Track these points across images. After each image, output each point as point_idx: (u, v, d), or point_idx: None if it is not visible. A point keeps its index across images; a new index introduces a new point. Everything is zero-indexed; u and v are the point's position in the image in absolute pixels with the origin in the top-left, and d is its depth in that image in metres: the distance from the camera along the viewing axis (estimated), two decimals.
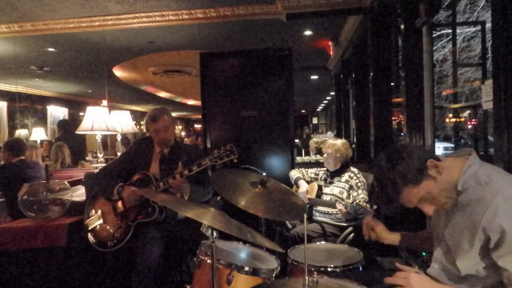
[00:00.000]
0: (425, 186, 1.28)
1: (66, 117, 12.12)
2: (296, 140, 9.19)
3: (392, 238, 1.76)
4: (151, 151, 2.60)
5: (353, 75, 5.84)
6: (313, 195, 3.02)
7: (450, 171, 1.30)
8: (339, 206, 2.69)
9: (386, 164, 1.31)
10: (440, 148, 10.80)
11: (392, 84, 4.19)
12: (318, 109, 20.64)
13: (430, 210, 1.35)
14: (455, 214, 1.32)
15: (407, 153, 1.30)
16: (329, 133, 10.02)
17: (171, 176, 2.35)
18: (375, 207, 2.53)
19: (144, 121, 2.63)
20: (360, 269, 1.85)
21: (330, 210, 2.90)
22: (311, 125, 21.05)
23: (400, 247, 1.82)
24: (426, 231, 1.78)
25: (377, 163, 1.36)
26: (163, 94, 13.05)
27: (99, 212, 2.51)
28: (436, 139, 3.41)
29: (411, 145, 1.38)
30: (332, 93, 10.57)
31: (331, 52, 7.05)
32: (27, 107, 10.39)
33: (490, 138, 2.61)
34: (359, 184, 2.87)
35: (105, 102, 7.58)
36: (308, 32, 5.86)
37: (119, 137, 5.59)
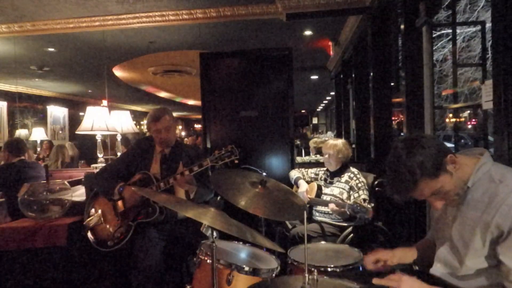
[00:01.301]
0: (441, 180, 1.26)
1: (66, 117, 12.13)
2: (297, 142, 9.18)
3: (409, 252, 1.65)
4: (152, 151, 2.60)
5: (353, 75, 5.84)
6: (312, 195, 3.02)
7: (463, 168, 1.30)
8: (331, 205, 2.70)
9: (404, 151, 1.26)
10: None
11: (392, 84, 4.19)
12: (318, 109, 20.64)
13: (439, 204, 1.34)
14: (466, 212, 1.32)
15: (427, 143, 1.26)
16: (329, 133, 10.03)
17: (172, 176, 2.35)
18: (372, 204, 2.53)
19: (146, 120, 2.63)
20: (360, 269, 1.84)
21: (330, 210, 2.90)
22: (311, 125, 21.05)
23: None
24: (425, 240, 1.74)
25: (393, 149, 1.30)
26: (163, 94, 13.04)
27: (99, 211, 2.51)
28: None
29: (429, 135, 1.34)
30: (332, 93, 10.57)
31: (331, 52, 7.05)
32: (27, 107, 10.39)
33: (490, 138, 2.61)
34: (359, 185, 2.87)
35: (105, 102, 7.58)
36: (308, 32, 5.86)
37: (119, 137, 5.60)
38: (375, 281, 1.31)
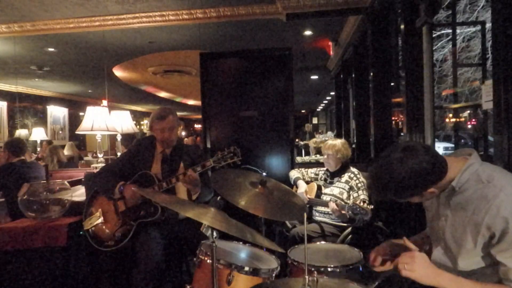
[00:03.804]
0: (424, 194, 1.29)
1: (66, 117, 12.12)
2: (301, 142, 9.13)
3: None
4: (153, 150, 2.60)
5: (353, 75, 5.84)
6: (312, 195, 3.02)
7: (449, 172, 1.30)
8: (332, 205, 2.69)
9: (402, 169, 1.22)
10: (440, 148, 10.80)
11: (392, 84, 4.19)
12: (318, 109, 20.64)
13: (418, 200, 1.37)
14: (456, 213, 1.33)
15: (423, 159, 1.22)
16: (329, 133, 10.02)
17: (174, 176, 2.35)
18: (372, 206, 2.53)
19: (150, 118, 2.62)
20: (360, 269, 1.84)
21: (329, 210, 2.90)
22: (311, 125, 21.03)
23: None
24: (423, 233, 1.73)
25: (388, 160, 1.26)
26: (163, 94, 13.05)
27: (100, 210, 2.51)
28: (436, 139, 3.42)
29: (422, 150, 1.28)
30: (332, 93, 10.57)
31: (331, 52, 7.06)
32: (27, 107, 10.39)
33: (490, 138, 2.61)
34: (359, 185, 2.87)
35: (105, 102, 7.59)
36: (308, 32, 5.86)
37: (119, 137, 5.61)
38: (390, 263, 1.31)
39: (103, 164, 4.04)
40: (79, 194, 3.14)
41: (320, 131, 18.29)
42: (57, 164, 5.46)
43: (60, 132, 11.88)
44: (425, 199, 1.38)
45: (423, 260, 1.26)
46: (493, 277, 1.26)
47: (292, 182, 3.21)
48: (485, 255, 1.26)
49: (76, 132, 4.43)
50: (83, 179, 3.27)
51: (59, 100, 11.81)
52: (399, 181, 1.22)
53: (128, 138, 5.18)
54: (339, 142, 3.02)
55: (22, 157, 3.63)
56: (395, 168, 1.23)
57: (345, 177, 2.95)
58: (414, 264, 1.24)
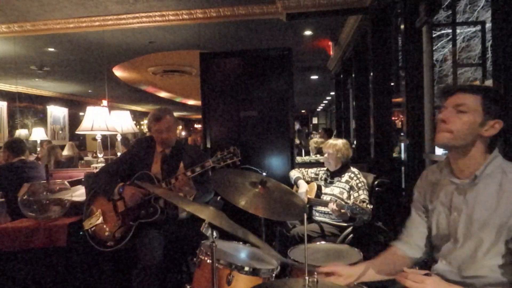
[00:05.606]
0: (493, 122, 1.27)
1: (66, 117, 12.12)
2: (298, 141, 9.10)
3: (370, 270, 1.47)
4: (152, 150, 2.60)
5: (353, 75, 5.84)
6: (312, 195, 3.02)
7: (474, 160, 1.30)
8: (331, 205, 2.69)
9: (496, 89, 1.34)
10: (440, 148, 10.77)
11: (392, 84, 4.19)
12: (318, 109, 20.64)
13: (441, 136, 1.31)
14: (474, 207, 1.28)
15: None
16: None
17: (173, 177, 2.35)
18: (371, 206, 2.53)
19: (147, 120, 2.63)
20: None
21: (329, 210, 2.89)
22: (311, 125, 21.01)
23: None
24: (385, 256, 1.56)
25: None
26: (163, 94, 13.05)
27: (99, 211, 2.51)
28: None
29: None
30: (332, 93, 10.57)
31: (331, 52, 7.06)
32: (27, 107, 10.38)
33: None
34: (359, 185, 2.87)
35: (105, 102, 7.59)
36: (308, 32, 5.87)
37: (119, 137, 5.60)
38: (400, 280, 1.23)
39: (103, 164, 4.03)
40: (79, 194, 3.13)
41: (319, 130, 18.21)
42: (54, 164, 5.45)
43: (60, 132, 11.87)
44: (482, 131, 1.28)
45: (435, 284, 1.20)
46: (509, 277, 1.24)
47: (292, 182, 3.21)
48: (506, 254, 1.22)
49: (76, 132, 4.43)
50: (83, 179, 3.27)
51: (59, 100, 11.80)
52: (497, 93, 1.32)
53: (123, 141, 5.18)
54: (340, 142, 3.02)
55: (22, 157, 3.63)
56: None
57: (345, 177, 2.95)
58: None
